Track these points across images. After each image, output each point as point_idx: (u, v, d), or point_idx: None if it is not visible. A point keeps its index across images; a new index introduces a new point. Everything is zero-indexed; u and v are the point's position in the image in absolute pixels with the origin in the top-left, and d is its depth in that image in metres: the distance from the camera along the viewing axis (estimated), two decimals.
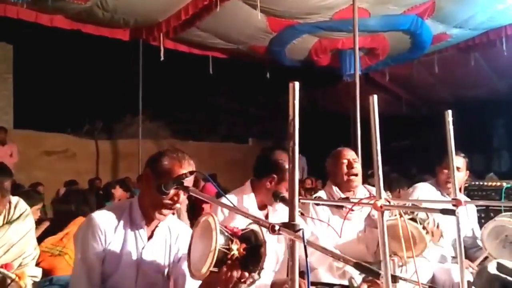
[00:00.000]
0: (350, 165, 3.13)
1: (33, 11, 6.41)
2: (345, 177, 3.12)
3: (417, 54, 8.66)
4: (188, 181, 1.93)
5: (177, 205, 2.01)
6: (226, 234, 1.68)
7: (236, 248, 1.67)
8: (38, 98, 10.03)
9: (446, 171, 3.51)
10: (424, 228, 2.60)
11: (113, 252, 1.99)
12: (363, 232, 3.09)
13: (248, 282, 1.71)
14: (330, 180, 3.29)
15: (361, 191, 3.22)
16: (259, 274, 1.71)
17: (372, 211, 3.07)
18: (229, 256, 1.66)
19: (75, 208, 3.58)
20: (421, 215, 2.65)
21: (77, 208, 3.58)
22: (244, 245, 1.69)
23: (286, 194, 2.39)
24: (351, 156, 3.17)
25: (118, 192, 5.96)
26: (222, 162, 12.64)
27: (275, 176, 2.61)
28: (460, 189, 3.63)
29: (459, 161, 3.49)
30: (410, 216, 2.54)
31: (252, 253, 1.70)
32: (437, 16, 7.23)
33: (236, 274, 1.67)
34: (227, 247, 1.66)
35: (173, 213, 2.24)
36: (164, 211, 2.00)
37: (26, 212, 2.58)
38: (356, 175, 3.13)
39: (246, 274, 1.69)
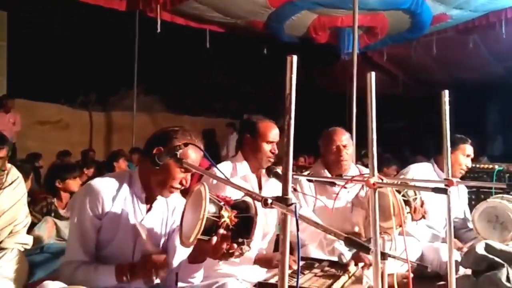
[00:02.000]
0: (339, 151, 3.11)
1: None
2: (335, 162, 3.13)
3: (416, 34, 8.59)
4: (183, 154, 1.90)
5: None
6: (217, 202, 1.67)
7: (227, 216, 1.65)
8: (32, 66, 9.87)
9: (460, 155, 3.49)
10: (407, 202, 2.60)
11: (110, 222, 1.97)
12: (349, 212, 3.10)
13: (237, 253, 1.70)
14: (320, 159, 3.28)
15: (352, 170, 3.20)
16: (248, 245, 1.70)
17: (360, 192, 3.08)
18: (219, 223, 1.65)
19: None
20: (411, 192, 2.65)
21: None
22: (235, 212, 1.68)
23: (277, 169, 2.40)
24: (342, 142, 3.12)
25: (122, 165, 5.62)
26: (217, 138, 12.63)
27: (248, 135, 2.66)
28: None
29: (470, 149, 3.52)
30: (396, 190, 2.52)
31: (243, 221, 1.69)
32: None
33: (226, 244, 1.66)
34: (217, 214, 1.65)
35: None
36: (173, 190, 1.99)
37: (18, 180, 2.57)
38: (345, 161, 3.12)
39: (235, 245, 1.68)
